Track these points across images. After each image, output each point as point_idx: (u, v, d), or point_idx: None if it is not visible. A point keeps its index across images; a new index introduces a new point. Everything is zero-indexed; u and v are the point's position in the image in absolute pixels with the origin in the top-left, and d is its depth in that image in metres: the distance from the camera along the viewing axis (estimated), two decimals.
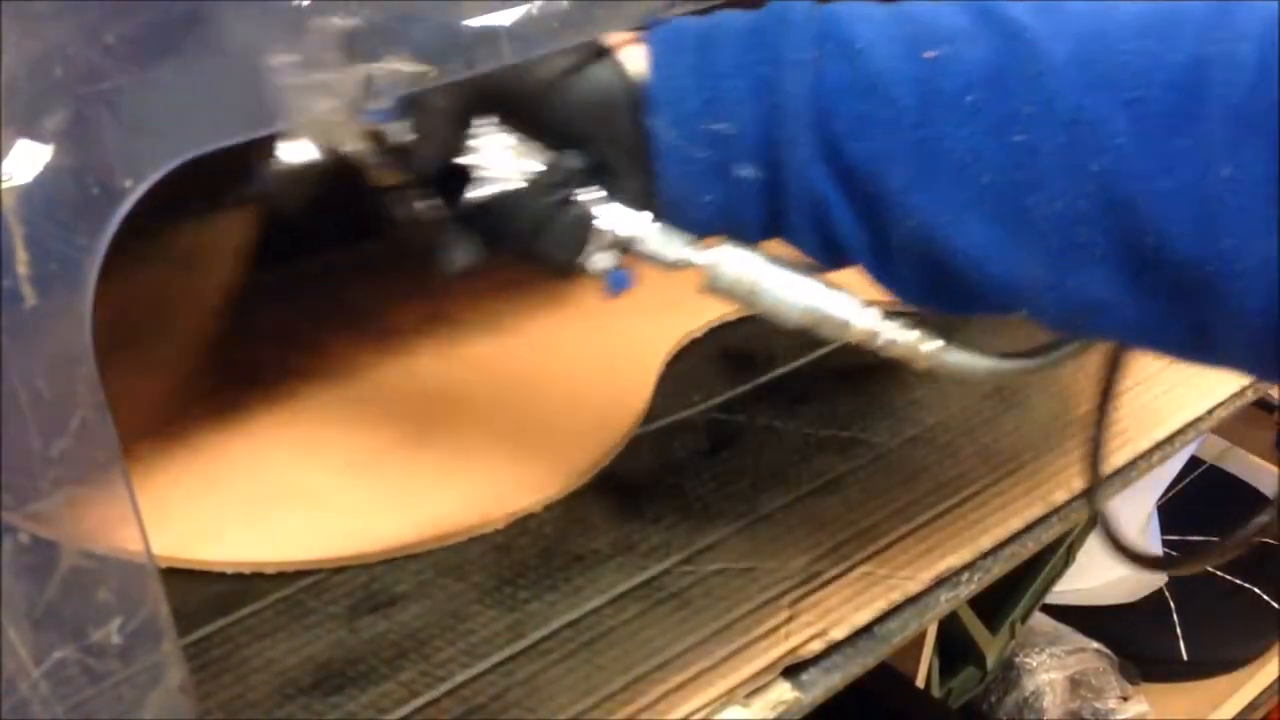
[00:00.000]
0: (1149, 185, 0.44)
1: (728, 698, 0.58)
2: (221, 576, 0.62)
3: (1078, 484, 0.70)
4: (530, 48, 0.46)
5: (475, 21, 0.44)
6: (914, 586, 0.63)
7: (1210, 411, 0.76)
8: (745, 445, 0.72)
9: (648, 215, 0.52)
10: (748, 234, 0.53)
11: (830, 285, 0.53)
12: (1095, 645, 1.35)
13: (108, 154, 0.38)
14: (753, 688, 0.58)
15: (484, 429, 0.70)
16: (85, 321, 0.38)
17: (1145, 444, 0.73)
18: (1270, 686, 1.42)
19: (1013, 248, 0.47)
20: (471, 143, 0.50)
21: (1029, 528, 0.67)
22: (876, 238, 0.50)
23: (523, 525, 0.66)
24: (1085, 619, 1.38)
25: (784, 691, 0.59)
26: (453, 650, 0.59)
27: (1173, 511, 1.51)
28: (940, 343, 0.54)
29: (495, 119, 0.51)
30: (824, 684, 0.59)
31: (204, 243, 0.69)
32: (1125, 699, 1.33)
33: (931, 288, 0.50)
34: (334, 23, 0.42)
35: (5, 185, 0.36)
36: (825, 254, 0.52)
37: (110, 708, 0.41)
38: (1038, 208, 0.46)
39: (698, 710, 0.57)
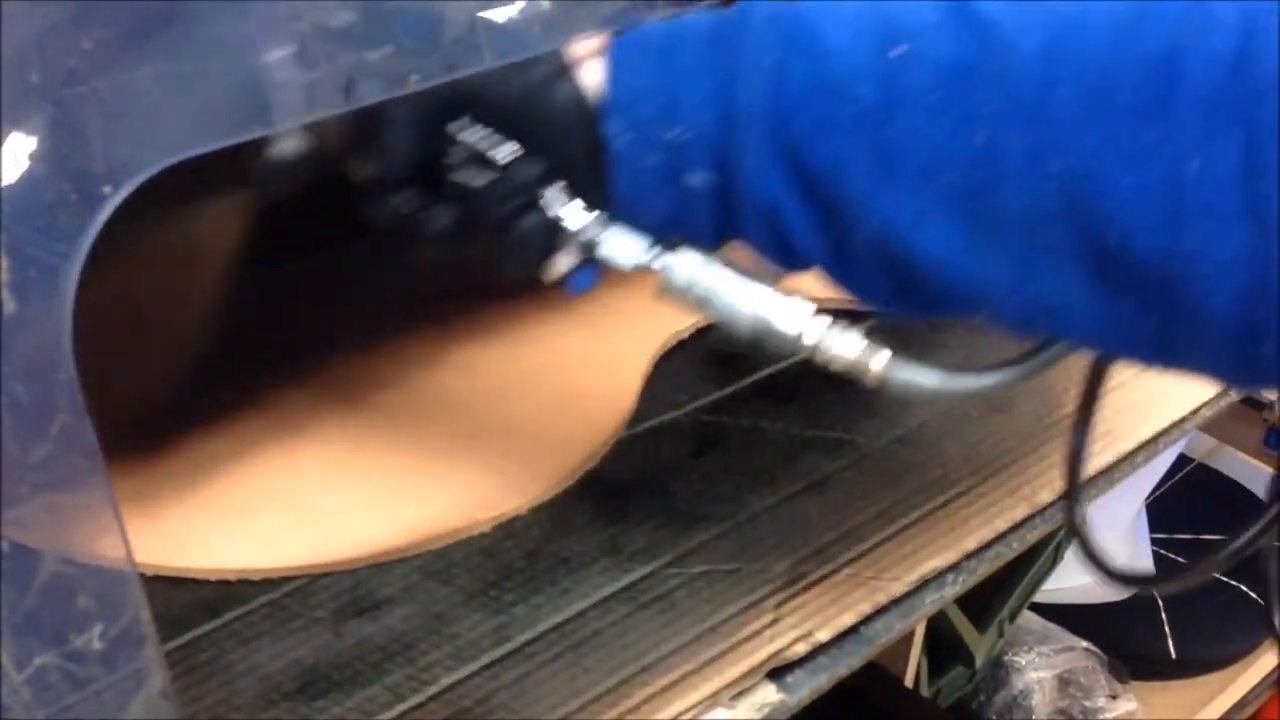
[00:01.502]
0: (1114, 182, 0.43)
1: (713, 700, 0.58)
2: (206, 581, 0.62)
3: (1061, 485, 0.70)
4: (514, 49, 0.46)
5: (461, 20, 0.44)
6: (899, 588, 0.63)
7: (1195, 411, 0.76)
8: (731, 447, 0.72)
9: (605, 217, 0.53)
10: (701, 239, 0.53)
11: (785, 293, 0.52)
12: (1084, 644, 1.35)
13: (87, 160, 0.38)
14: (738, 690, 0.58)
15: (470, 432, 0.70)
16: (65, 327, 0.38)
17: (1129, 444, 0.73)
18: (1259, 685, 1.42)
19: (975, 250, 0.46)
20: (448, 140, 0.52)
21: (1013, 528, 0.68)
22: (835, 242, 0.49)
23: (508, 528, 0.66)
24: (1074, 618, 1.38)
25: (769, 693, 0.59)
26: (438, 654, 0.59)
27: (1161, 510, 1.51)
28: (887, 355, 0.52)
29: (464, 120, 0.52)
30: (809, 685, 0.60)
31: (195, 238, 0.68)
32: (1114, 697, 1.33)
33: (893, 291, 0.50)
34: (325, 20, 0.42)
35: None
36: (782, 259, 0.51)
37: (93, 714, 0.41)
38: (1001, 208, 0.45)
39: (683, 713, 0.57)
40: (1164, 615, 1.42)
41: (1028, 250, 0.46)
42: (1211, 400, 0.77)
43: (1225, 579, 1.46)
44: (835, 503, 0.68)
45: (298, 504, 0.65)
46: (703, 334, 0.79)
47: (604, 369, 0.74)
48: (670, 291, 0.53)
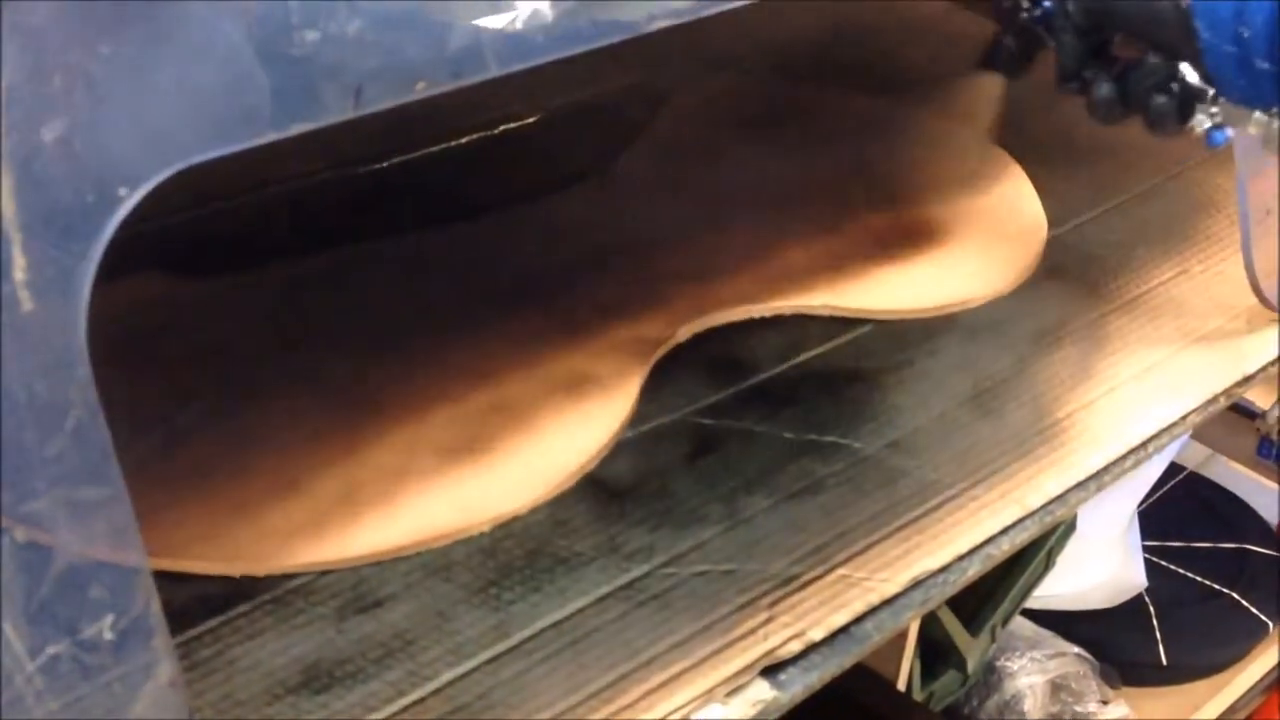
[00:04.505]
0: None
1: (708, 696, 0.59)
2: (210, 577, 0.63)
3: (1052, 487, 0.71)
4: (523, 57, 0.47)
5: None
6: (891, 589, 0.64)
7: (1184, 417, 0.77)
8: (728, 449, 0.73)
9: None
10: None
11: None
12: (1076, 649, 1.36)
13: (103, 162, 0.39)
14: (732, 687, 0.59)
15: (471, 434, 0.71)
16: (80, 326, 0.39)
17: (1119, 449, 0.74)
18: (1249, 691, 1.44)
19: None
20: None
21: (1003, 531, 0.69)
22: None
23: (509, 528, 0.67)
24: (1065, 623, 1.40)
25: (763, 690, 0.60)
26: (439, 650, 0.60)
27: (1154, 518, 1.53)
28: None
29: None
30: (802, 683, 0.61)
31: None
32: (1105, 703, 1.34)
33: None
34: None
35: (4, 193, 0.37)
36: None
37: (103, 703, 0.42)
38: None
39: (678, 708, 0.58)
40: (1155, 622, 1.43)
41: None
42: (1200, 407, 0.78)
43: (1216, 586, 1.47)
44: (830, 505, 0.69)
45: (301, 502, 0.66)
46: (700, 338, 0.80)
47: (603, 372, 0.75)
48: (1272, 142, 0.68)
